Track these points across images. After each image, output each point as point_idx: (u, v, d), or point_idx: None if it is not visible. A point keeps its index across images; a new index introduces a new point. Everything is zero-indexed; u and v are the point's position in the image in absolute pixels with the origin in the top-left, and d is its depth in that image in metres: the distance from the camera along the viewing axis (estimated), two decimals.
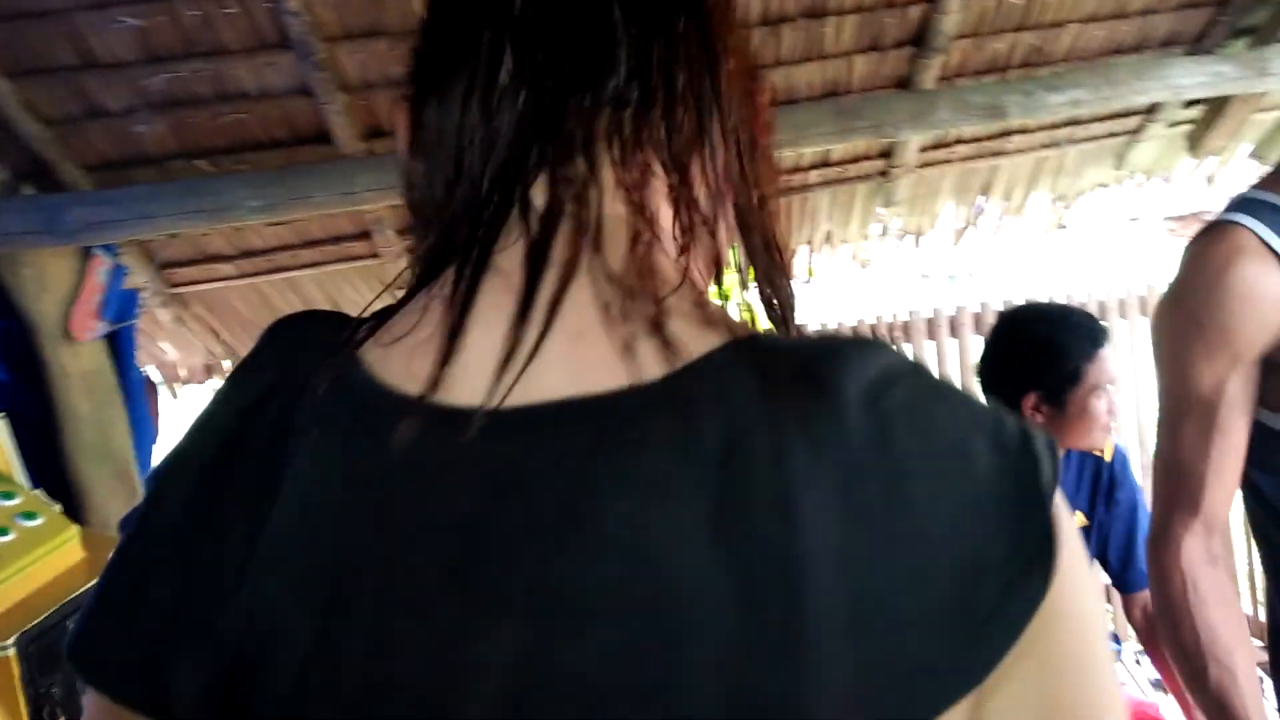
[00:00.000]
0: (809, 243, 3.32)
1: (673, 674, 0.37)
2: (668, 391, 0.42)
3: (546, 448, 0.41)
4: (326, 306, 3.12)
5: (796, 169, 3.00)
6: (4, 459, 1.64)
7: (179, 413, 2.98)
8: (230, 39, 2.17)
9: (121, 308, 2.34)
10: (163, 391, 2.94)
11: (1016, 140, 3.02)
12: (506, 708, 0.38)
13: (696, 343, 0.44)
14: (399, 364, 0.45)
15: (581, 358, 0.44)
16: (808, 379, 0.42)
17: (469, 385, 0.43)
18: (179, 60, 2.19)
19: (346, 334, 0.48)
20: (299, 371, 0.46)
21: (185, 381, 3.03)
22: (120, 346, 2.36)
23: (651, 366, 0.42)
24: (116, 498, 2.19)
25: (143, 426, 2.42)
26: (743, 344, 0.44)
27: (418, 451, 0.42)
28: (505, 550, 0.40)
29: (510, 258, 0.47)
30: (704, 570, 0.38)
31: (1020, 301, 2.06)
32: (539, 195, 0.48)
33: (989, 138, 2.99)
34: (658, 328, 0.44)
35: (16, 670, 1.25)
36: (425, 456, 0.42)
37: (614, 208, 0.47)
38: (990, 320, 2.54)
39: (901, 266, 3.69)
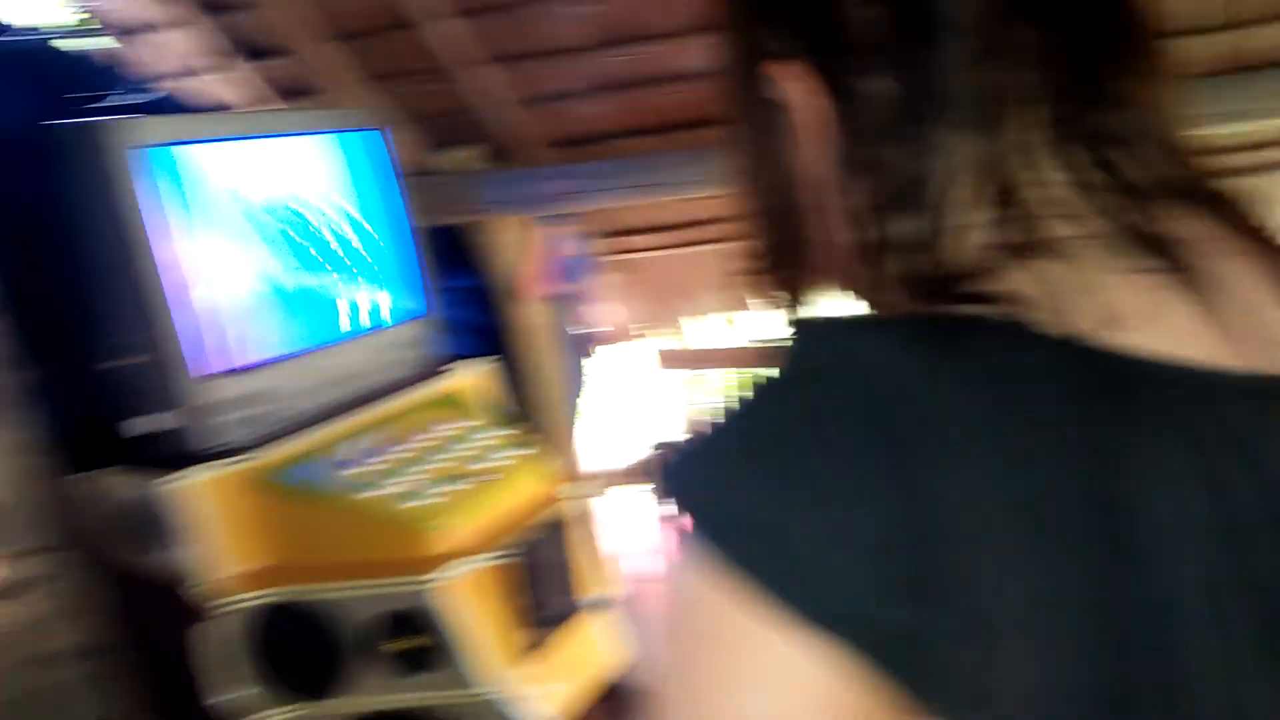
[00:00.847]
0: None
1: None
2: None
3: None
4: (728, 280, 3.26)
5: (1244, 146, 2.63)
6: (501, 396, 1.93)
7: (601, 371, 3.26)
8: (658, 22, 2.32)
9: (571, 272, 2.62)
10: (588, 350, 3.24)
11: None
12: None
13: None
14: (1179, 344, 0.41)
15: None
16: None
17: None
18: (617, 44, 2.37)
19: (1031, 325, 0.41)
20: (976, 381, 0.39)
21: (607, 342, 3.31)
22: (565, 306, 2.64)
23: None
24: (549, 443, 2.46)
25: (576, 381, 2.70)
26: None
27: None
28: None
29: (1178, 224, 0.45)
30: None
31: None
32: (1136, 168, 0.46)
33: None
34: None
35: (519, 575, 1.47)
36: None
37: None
38: None
39: None
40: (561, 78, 2.43)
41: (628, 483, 2.83)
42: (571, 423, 2.65)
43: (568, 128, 2.55)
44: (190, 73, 2.39)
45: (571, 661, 1.56)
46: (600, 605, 1.65)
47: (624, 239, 2.99)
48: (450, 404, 1.93)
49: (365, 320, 1.71)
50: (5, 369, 1.08)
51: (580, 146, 2.57)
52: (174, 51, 2.35)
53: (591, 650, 1.62)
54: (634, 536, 2.46)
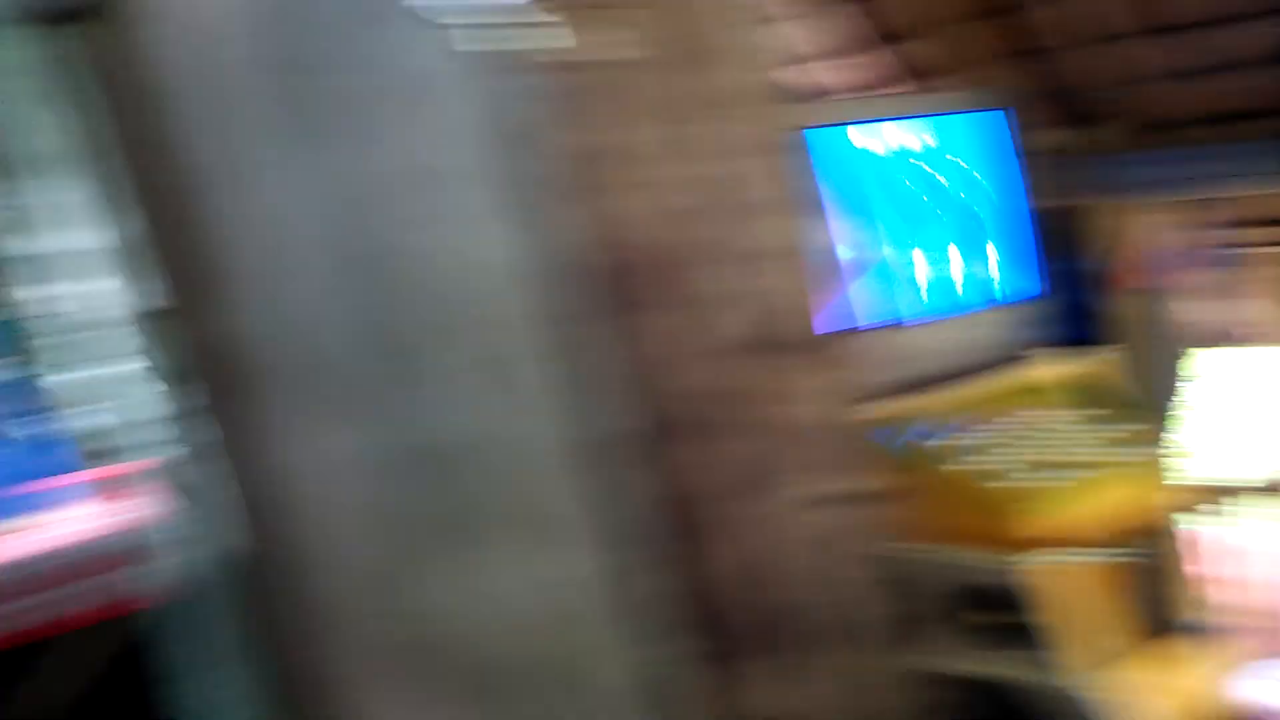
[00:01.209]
0: None
1: None
2: None
3: None
4: None
5: None
6: (1111, 391, 1.86)
7: (1209, 374, 2.91)
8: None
9: (1181, 263, 2.40)
10: (1195, 350, 2.91)
11: None
12: None
13: None
14: None
15: None
16: None
17: None
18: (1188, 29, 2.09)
19: None
20: None
21: (1217, 343, 2.95)
22: (1171, 299, 2.44)
23: None
24: (1153, 446, 2.28)
25: (1174, 381, 2.47)
26: None
27: None
28: None
29: None
30: None
31: None
32: None
33: None
34: None
35: (1115, 577, 1.43)
36: None
37: None
38: None
39: None
40: (1209, 49, 2.20)
41: (1245, 500, 2.50)
42: (1168, 426, 2.43)
43: (1209, 104, 2.30)
44: (812, 59, 2.58)
45: (1167, 681, 1.45)
46: (1203, 629, 1.51)
47: (1255, 230, 2.64)
48: (1039, 391, 1.89)
49: (974, 297, 1.75)
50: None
51: (1220, 125, 2.31)
52: (803, 40, 2.56)
53: (1191, 675, 1.49)
54: (1250, 562, 2.16)
